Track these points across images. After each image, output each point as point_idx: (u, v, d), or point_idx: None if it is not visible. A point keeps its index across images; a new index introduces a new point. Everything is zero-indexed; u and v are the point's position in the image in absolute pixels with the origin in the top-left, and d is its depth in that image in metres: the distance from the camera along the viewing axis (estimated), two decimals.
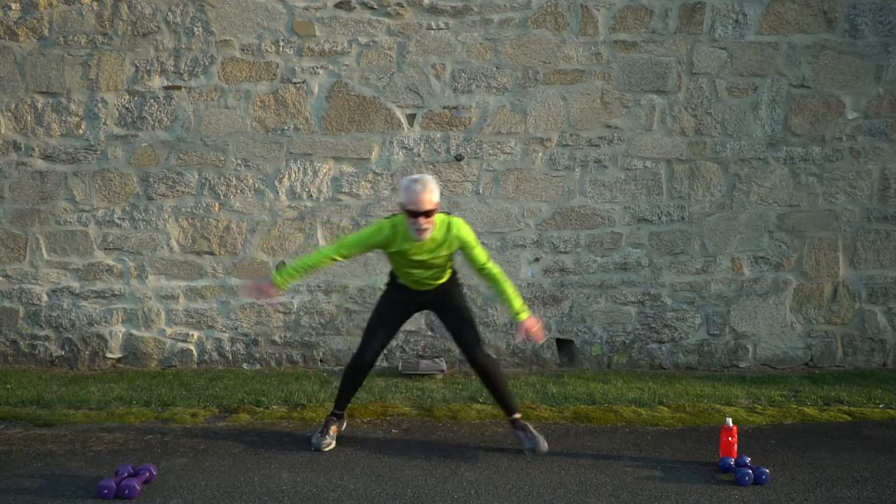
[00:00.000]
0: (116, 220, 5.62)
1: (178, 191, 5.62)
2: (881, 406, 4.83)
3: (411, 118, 5.65)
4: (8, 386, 5.09)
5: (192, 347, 5.69)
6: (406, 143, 5.64)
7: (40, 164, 5.59)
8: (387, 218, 3.86)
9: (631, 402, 4.84)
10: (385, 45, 5.60)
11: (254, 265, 5.66)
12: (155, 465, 3.54)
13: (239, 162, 5.62)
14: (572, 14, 5.62)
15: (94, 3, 5.52)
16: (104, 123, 5.57)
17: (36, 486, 3.41)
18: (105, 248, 5.64)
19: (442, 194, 5.64)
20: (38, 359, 5.65)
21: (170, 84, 5.57)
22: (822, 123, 5.74)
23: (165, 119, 5.58)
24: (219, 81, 5.57)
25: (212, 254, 5.66)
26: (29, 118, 5.57)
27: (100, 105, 5.56)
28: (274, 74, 5.58)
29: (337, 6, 5.57)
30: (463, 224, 3.82)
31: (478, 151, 5.66)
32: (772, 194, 5.76)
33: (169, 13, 5.53)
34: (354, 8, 5.57)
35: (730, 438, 3.72)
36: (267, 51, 5.57)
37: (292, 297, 5.68)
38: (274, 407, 4.68)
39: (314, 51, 5.58)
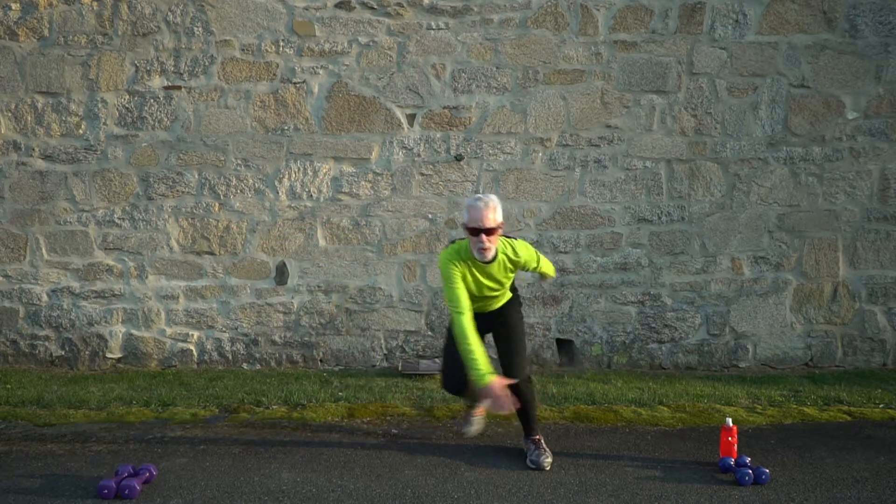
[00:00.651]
0: (116, 220, 5.62)
1: (178, 191, 5.62)
2: (881, 406, 4.82)
3: (411, 118, 5.65)
4: (8, 386, 5.09)
5: (192, 347, 5.69)
6: (406, 143, 5.64)
7: (40, 164, 5.59)
8: (445, 249, 3.78)
9: (631, 402, 4.84)
10: (385, 45, 5.60)
11: (254, 265, 5.66)
12: (155, 465, 3.54)
13: (239, 162, 5.62)
14: (572, 14, 5.62)
15: (94, 3, 5.52)
16: (104, 123, 5.57)
17: (36, 486, 3.41)
18: (105, 248, 5.64)
19: (442, 194, 5.68)
20: (38, 359, 5.65)
21: (170, 84, 5.57)
22: (822, 123, 5.74)
23: (165, 119, 5.58)
24: (219, 81, 5.57)
25: (212, 254, 5.66)
26: (29, 118, 5.57)
27: (100, 105, 5.56)
28: (274, 74, 5.58)
29: (337, 6, 5.57)
30: (525, 243, 3.85)
31: (478, 151, 5.66)
32: (772, 194, 5.76)
33: (169, 13, 5.53)
34: (354, 8, 5.57)
35: (730, 438, 3.72)
36: (267, 51, 5.57)
37: (292, 298, 5.69)
38: (274, 407, 4.68)
39: (314, 51, 5.58)
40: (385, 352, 5.72)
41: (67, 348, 5.65)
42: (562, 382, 5.29)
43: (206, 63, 5.56)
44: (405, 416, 4.53)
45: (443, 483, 3.51)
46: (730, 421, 3.77)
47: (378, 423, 4.41)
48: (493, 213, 3.57)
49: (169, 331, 5.69)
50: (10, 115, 5.56)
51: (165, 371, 5.60)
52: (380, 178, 5.66)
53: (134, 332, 5.68)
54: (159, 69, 5.57)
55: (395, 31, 5.59)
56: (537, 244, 5.69)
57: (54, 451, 3.89)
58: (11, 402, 4.72)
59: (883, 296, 5.85)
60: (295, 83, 5.59)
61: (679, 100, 5.69)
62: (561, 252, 5.73)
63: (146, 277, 5.65)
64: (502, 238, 3.72)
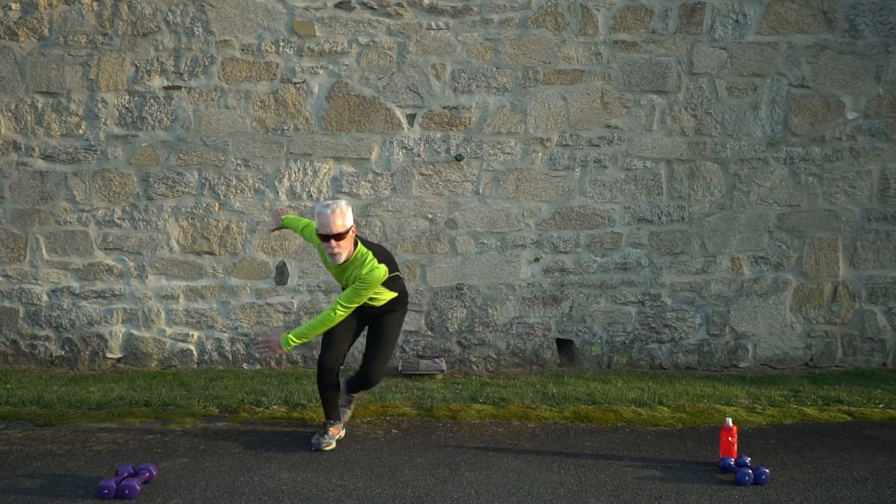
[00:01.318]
0: (116, 220, 5.62)
1: (178, 191, 5.62)
2: (881, 406, 4.83)
3: (411, 118, 5.65)
4: (8, 386, 5.09)
5: (192, 347, 5.69)
6: (406, 143, 5.64)
7: (40, 164, 5.59)
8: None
9: (631, 402, 4.84)
10: (385, 45, 5.60)
11: (254, 265, 5.66)
12: (155, 465, 3.54)
13: (239, 162, 5.62)
14: (572, 14, 5.62)
15: (94, 3, 5.52)
16: (104, 123, 5.57)
17: (36, 486, 3.41)
18: (105, 248, 5.64)
19: (442, 194, 5.68)
20: (38, 359, 5.65)
21: (170, 84, 5.58)
22: (822, 123, 5.74)
23: (165, 119, 5.58)
24: (219, 81, 5.57)
25: (212, 254, 5.66)
26: (29, 118, 5.57)
27: (100, 105, 5.56)
28: (274, 74, 5.58)
29: (337, 6, 5.57)
30: (377, 272, 3.79)
31: (478, 151, 5.66)
32: (772, 194, 5.76)
33: (169, 13, 5.53)
34: (354, 8, 5.57)
35: (730, 438, 3.72)
36: (267, 51, 5.57)
37: (292, 298, 5.69)
38: (274, 407, 4.68)
39: (314, 51, 5.58)
40: None
41: (67, 348, 5.65)
42: (562, 382, 5.30)
43: (206, 63, 5.56)
44: (405, 416, 4.53)
45: (443, 483, 3.51)
46: (730, 421, 3.78)
47: (378, 423, 4.41)
48: (342, 219, 3.71)
49: (169, 331, 5.69)
50: (10, 115, 5.56)
51: (165, 371, 5.60)
52: (380, 178, 5.66)
53: (134, 332, 5.68)
54: (159, 69, 5.57)
55: (395, 31, 5.59)
56: (537, 244, 5.70)
57: (54, 451, 3.89)
58: (11, 402, 4.72)
59: (883, 296, 5.85)
60: (295, 83, 5.59)
61: (679, 100, 5.69)
62: (561, 252, 5.73)
63: (146, 277, 5.65)
64: (369, 253, 3.84)
